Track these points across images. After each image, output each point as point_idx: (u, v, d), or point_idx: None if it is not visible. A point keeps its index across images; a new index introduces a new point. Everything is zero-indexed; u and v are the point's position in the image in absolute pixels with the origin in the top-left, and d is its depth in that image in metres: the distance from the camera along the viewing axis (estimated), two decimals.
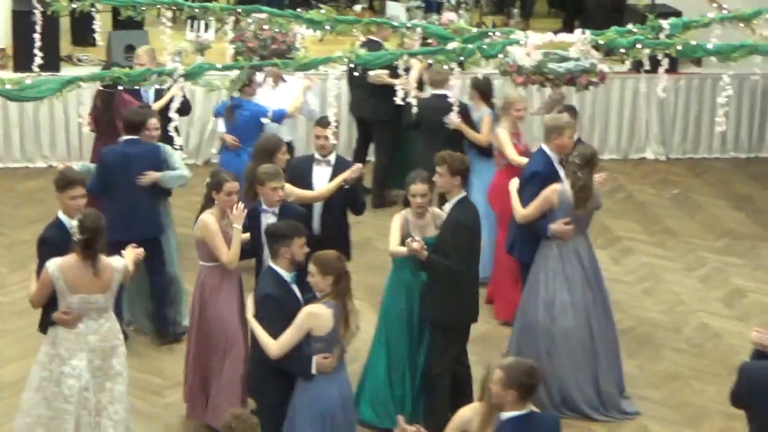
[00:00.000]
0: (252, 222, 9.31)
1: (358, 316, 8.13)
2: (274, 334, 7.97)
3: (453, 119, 11.18)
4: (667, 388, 10.43)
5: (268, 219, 9.31)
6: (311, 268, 7.99)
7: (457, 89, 10.36)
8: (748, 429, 7.55)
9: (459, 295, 9.21)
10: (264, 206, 9.37)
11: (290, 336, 7.93)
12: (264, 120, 11.99)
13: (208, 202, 9.23)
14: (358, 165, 10.17)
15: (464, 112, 11.69)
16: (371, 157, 14.36)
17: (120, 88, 10.60)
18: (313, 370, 7.94)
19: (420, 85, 13.13)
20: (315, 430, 8.01)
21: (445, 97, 11.93)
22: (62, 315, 8.22)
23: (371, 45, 12.18)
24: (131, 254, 8.60)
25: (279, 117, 12.07)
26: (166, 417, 9.68)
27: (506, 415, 6.67)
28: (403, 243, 9.06)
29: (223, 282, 9.20)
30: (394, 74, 11.00)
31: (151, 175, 10.43)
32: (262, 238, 9.11)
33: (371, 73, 12.11)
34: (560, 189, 9.67)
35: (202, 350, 9.25)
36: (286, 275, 8.26)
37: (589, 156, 9.63)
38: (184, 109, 12.04)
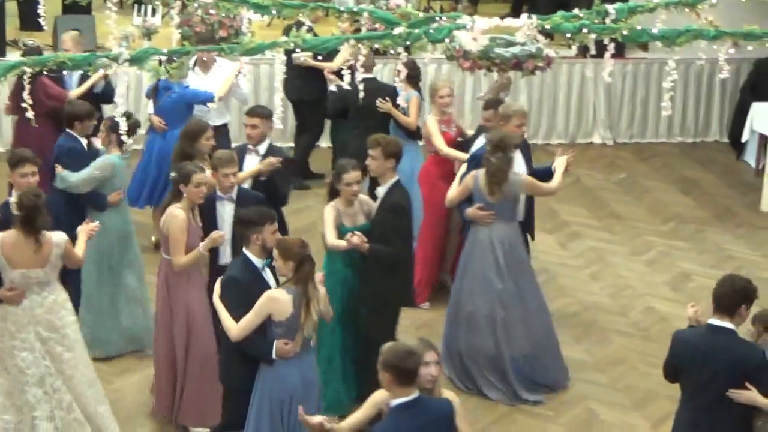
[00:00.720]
0: (207, 210, 9.24)
1: (323, 302, 8.02)
2: (237, 317, 7.91)
3: (383, 103, 11.26)
4: (613, 371, 10.46)
5: (224, 206, 9.28)
6: (274, 252, 7.96)
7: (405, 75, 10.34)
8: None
9: (399, 277, 9.28)
10: (219, 193, 9.30)
11: (250, 320, 7.87)
12: (199, 105, 11.95)
13: (175, 196, 9.04)
14: (271, 159, 9.98)
15: (392, 96, 11.71)
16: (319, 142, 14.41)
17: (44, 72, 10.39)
18: (273, 355, 7.86)
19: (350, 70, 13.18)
20: (274, 415, 7.93)
21: (374, 80, 11.91)
22: (6, 292, 8.26)
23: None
24: (84, 229, 8.61)
25: (202, 100, 11.93)
26: (113, 403, 9.58)
27: (393, 401, 6.51)
28: (340, 235, 9.04)
29: (191, 274, 9.15)
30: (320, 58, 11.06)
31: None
32: (217, 226, 9.13)
33: (295, 55, 12.07)
34: (476, 174, 9.71)
35: (168, 344, 9.18)
36: (258, 262, 8.19)
37: (496, 141, 9.57)
38: (107, 95, 11.98)
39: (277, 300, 7.85)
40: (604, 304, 11.68)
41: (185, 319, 9.05)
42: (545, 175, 10.07)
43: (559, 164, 10.00)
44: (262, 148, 10.15)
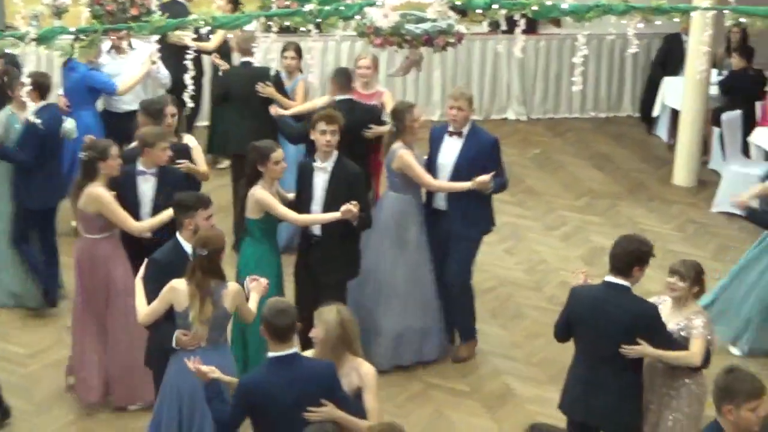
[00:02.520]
0: (127, 185, 9.14)
1: (230, 300, 7.69)
2: (150, 300, 7.81)
3: (263, 88, 11.26)
4: (529, 346, 10.54)
5: (146, 181, 9.18)
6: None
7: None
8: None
9: (357, 247, 9.53)
10: (141, 168, 9.19)
11: (154, 306, 7.77)
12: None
13: (86, 174, 8.92)
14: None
15: (277, 80, 11.65)
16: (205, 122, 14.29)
17: None
18: (173, 344, 7.73)
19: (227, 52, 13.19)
20: (171, 405, 7.78)
21: (249, 64, 11.81)
22: None
23: (173, 7, 11.87)
24: None
25: (102, 88, 11.86)
26: (28, 386, 9.47)
27: (270, 353, 6.75)
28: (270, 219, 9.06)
29: (116, 251, 9.11)
30: (198, 37, 10.90)
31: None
32: (138, 201, 9.09)
33: (170, 33, 11.88)
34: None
35: (91, 323, 9.11)
36: (188, 246, 8.00)
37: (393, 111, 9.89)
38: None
39: (176, 290, 7.66)
40: (520, 279, 11.76)
41: (112, 295, 9.01)
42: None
43: (473, 182, 9.61)
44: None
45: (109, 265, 9.06)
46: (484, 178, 9.49)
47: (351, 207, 8.95)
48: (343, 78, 11.03)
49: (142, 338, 8.55)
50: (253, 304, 7.83)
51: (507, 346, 10.50)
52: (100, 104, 12.28)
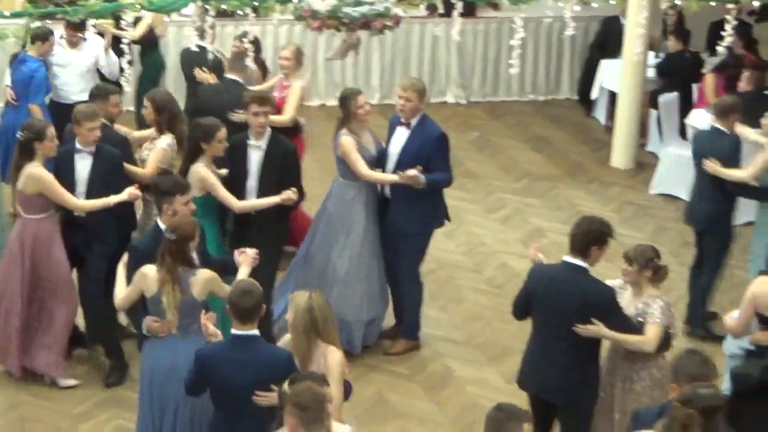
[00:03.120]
0: (65, 163, 9.10)
1: (197, 285, 7.59)
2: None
3: (200, 73, 11.21)
4: (469, 328, 10.57)
5: (83, 159, 9.12)
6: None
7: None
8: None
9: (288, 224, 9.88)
10: (79, 146, 9.13)
11: (127, 291, 7.80)
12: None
13: (24, 155, 8.88)
14: None
15: (217, 66, 11.59)
16: None
17: None
18: (144, 330, 7.71)
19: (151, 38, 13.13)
20: (143, 391, 7.78)
21: (187, 50, 11.77)
22: None
23: None
24: None
25: (37, 90, 11.71)
26: None
27: (233, 330, 6.89)
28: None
29: (55, 230, 9.09)
30: (119, 26, 10.84)
31: None
32: (74, 179, 9.02)
33: (94, 22, 11.80)
34: None
35: (24, 300, 9.14)
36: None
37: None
38: None
39: (146, 276, 7.64)
40: (459, 262, 11.79)
41: (53, 273, 9.06)
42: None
43: (399, 175, 9.54)
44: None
45: (51, 244, 9.07)
46: (411, 172, 9.39)
47: (291, 194, 9.10)
48: (236, 59, 11.06)
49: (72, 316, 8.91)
50: (243, 276, 7.73)
51: (447, 329, 10.53)
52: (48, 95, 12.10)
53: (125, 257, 8.08)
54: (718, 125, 10.49)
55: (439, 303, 10.88)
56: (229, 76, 11.09)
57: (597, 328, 7.49)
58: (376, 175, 9.73)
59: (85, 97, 11.18)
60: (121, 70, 11.60)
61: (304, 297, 6.94)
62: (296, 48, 11.40)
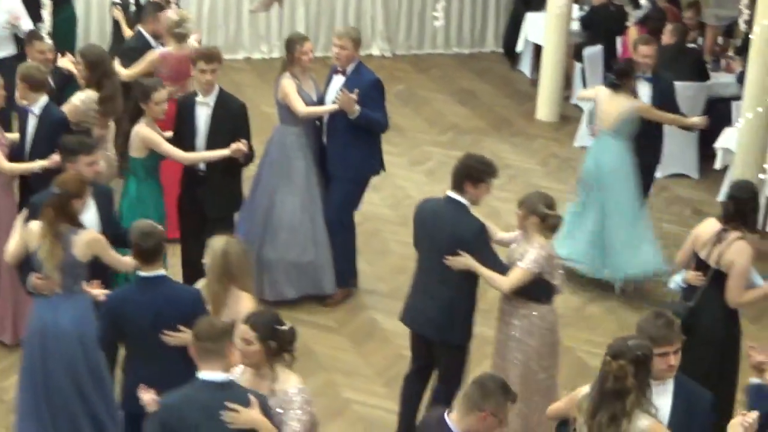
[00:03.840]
0: (21, 121, 9.05)
1: (80, 245, 7.44)
2: None
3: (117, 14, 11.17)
4: (394, 281, 10.60)
5: (32, 119, 9.01)
6: None
7: None
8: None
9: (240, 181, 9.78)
10: (26, 104, 9.02)
11: (14, 245, 7.64)
12: None
13: None
14: None
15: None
16: None
17: None
18: (29, 288, 7.59)
19: None
20: (25, 345, 7.70)
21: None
22: None
23: None
24: None
25: None
26: None
27: (138, 272, 7.00)
28: None
29: (8, 192, 9.07)
30: None
31: None
32: (24, 139, 8.99)
33: None
34: None
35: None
36: None
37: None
38: None
39: (29, 230, 7.52)
40: (385, 215, 11.85)
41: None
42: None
43: (339, 95, 9.68)
44: None
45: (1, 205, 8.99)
46: (350, 95, 9.49)
47: (240, 146, 9.07)
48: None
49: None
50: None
51: (373, 281, 10.61)
52: None
53: (23, 213, 7.89)
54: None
55: (365, 256, 10.89)
56: (140, 28, 11.11)
57: (464, 260, 7.59)
58: (312, 108, 9.76)
59: (6, 53, 11.05)
60: (41, 19, 11.52)
61: (221, 242, 6.97)
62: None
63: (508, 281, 7.61)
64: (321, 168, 10.01)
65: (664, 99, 10.64)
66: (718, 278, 7.96)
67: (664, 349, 6.11)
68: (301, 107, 9.68)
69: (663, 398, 6.18)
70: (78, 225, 7.49)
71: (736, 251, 7.90)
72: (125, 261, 7.50)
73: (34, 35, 10.33)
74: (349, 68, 9.84)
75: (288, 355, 6.10)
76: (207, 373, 5.79)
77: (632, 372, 5.92)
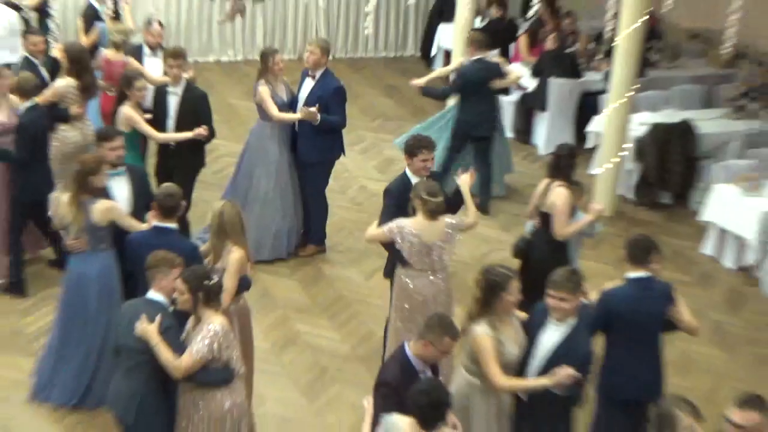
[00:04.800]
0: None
1: (97, 212, 7.45)
2: None
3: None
4: (336, 237, 10.68)
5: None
6: None
7: None
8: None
9: (203, 151, 9.87)
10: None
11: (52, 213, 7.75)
12: None
13: None
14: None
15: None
16: None
17: None
18: (65, 247, 7.70)
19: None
20: (62, 289, 7.76)
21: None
22: None
23: None
24: None
25: None
26: None
27: (155, 222, 7.17)
28: None
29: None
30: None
31: None
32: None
33: None
34: None
35: None
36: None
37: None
38: None
39: (60, 201, 7.57)
40: (329, 186, 11.79)
41: None
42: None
43: (302, 111, 9.62)
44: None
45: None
46: (311, 109, 9.48)
47: (201, 130, 9.23)
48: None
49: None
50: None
51: None
52: None
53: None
54: (480, 56, 11.13)
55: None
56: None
57: None
58: (283, 115, 9.69)
59: (9, 60, 10.73)
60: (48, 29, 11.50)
61: (219, 204, 7.08)
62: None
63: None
64: (293, 154, 9.97)
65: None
66: (545, 219, 8.18)
67: (561, 295, 6.16)
68: (274, 112, 9.62)
69: (554, 336, 6.23)
70: (96, 196, 7.51)
71: (556, 195, 8.12)
72: (138, 224, 7.49)
73: (29, 31, 10.27)
74: (318, 73, 9.75)
75: (214, 302, 6.20)
76: (149, 292, 6.37)
77: (483, 286, 6.16)
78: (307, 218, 10.25)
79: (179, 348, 6.12)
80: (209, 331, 6.08)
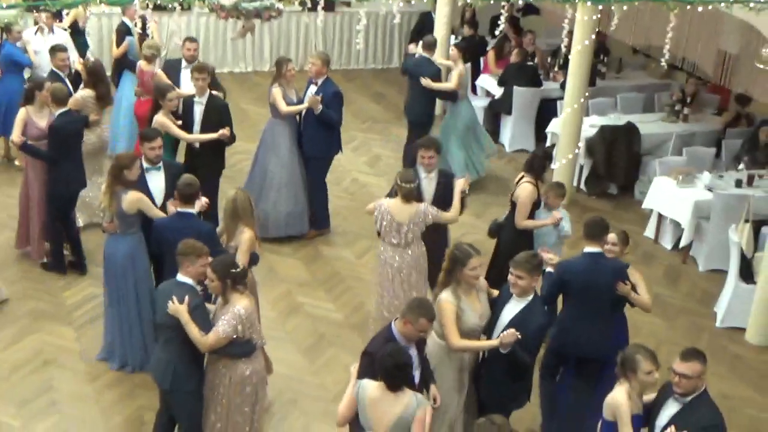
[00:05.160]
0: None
1: (125, 202, 7.36)
2: None
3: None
4: (332, 221, 10.52)
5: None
6: None
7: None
8: None
9: (224, 151, 9.67)
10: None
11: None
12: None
13: (27, 100, 8.97)
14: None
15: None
16: None
17: None
18: (102, 230, 7.70)
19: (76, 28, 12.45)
20: (104, 269, 7.71)
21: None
22: None
23: None
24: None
25: (19, 63, 10.98)
26: None
27: (178, 209, 7.10)
28: None
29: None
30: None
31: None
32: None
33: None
34: None
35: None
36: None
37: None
38: None
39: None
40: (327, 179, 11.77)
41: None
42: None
43: (309, 99, 9.38)
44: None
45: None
46: (315, 96, 9.50)
47: (225, 132, 9.13)
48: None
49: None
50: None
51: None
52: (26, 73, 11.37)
53: None
54: (426, 55, 11.03)
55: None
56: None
57: None
58: (291, 108, 9.66)
59: None
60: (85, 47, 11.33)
61: (233, 192, 7.08)
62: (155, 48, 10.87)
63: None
64: (299, 148, 9.89)
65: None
66: (513, 207, 8.12)
67: (518, 273, 6.09)
68: (283, 107, 9.59)
69: (513, 309, 6.15)
70: (128, 187, 7.42)
71: (522, 188, 8.08)
72: (161, 213, 7.43)
73: (56, 48, 10.09)
74: (320, 80, 9.72)
75: (240, 286, 6.14)
76: (178, 275, 6.25)
77: (449, 259, 6.13)
78: (310, 205, 10.14)
79: (206, 324, 6.08)
80: (235, 313, 6.02)
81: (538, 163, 8.22)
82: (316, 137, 9.76)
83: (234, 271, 6.10)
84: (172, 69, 10.49)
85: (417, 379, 5.68)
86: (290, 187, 9.87)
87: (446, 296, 6.15)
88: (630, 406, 5.30)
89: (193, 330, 6.00)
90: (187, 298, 6.05)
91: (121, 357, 7.70)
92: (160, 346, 6.30)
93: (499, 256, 7.88)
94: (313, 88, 9.76)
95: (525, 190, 8.04)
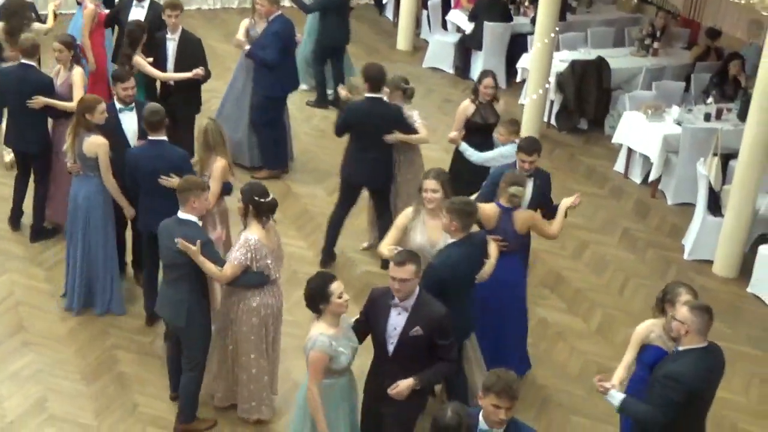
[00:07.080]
0: None
1: (86, 144, 7.24)
2: None
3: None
4: (302, 158, 10.49)
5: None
6: None
7: None
8: None
9: (199, 90, 9.67)
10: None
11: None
12: None
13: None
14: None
15: None
16: None
17: None
18: (68, 169, 7.59)
19: None
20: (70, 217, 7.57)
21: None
22: None
23: None
24: None
25: None
26: None
27: (149, 137, 7.08)
28: None
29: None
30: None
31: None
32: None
33: None
34: None
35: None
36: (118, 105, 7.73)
37: None
38: None
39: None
40: (294, 116, 11.59)
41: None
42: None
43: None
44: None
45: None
46: (239, 39, 9.55)
47: (199, 71, 9.06)
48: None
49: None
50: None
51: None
52: None
53: None
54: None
55: None
56: None
57: (395, 135, 7.94)
58: (238, 39, 9.66)
59: None
60: None
61: (205, 121, 7.12)
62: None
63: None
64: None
65: None
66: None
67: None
68: (235, 38, 9.68)
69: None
70: (90, 130, 7.26)
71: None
72: (109, 169, 7.23)
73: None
74: (271, 17, 9.56)
75: (262, 218, 6.09)
76: (180, 212, 6.16)
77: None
78: (259, 144, 10.00)
79: (218, 258, 6.11)
80: (245, 240, 6.04)
81: (474, 87, 8.59)
82: (258, 76, 9.67)
83: (257, 199, 6.03)
84: (122, 5, 10.06)
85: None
86: (233, 118, 9.80)
87: (408, 209, 6.61)
88: (650, 338, 5.59)
89: (210, 267, 6.02)
90: (198, 241, 6.01)
91: (78, 296, 7.59)
92: (167, 286, 6.26)
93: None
94: (262, 25, 9.62)
95: (461, 105, 8.55)
